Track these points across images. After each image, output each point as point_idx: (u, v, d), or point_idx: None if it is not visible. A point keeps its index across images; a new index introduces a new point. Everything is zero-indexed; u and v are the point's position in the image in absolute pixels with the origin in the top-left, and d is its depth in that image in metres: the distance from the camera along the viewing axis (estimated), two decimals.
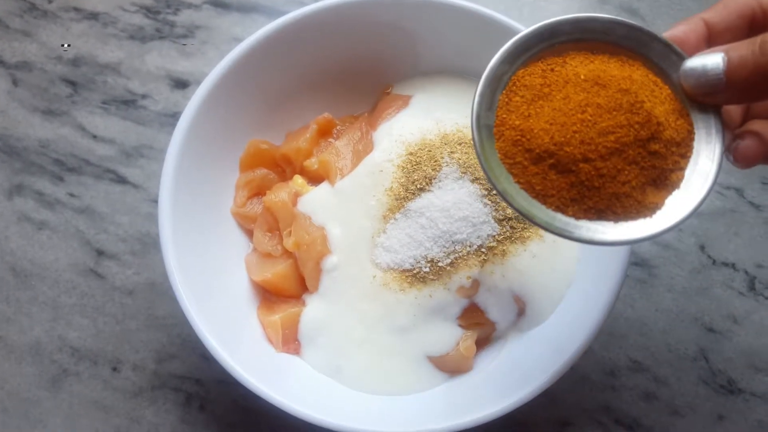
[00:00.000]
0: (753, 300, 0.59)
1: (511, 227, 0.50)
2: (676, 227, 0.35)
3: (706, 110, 0.36)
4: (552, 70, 0.36)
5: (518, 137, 0.35)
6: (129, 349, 0.58)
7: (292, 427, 0.48)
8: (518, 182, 0.36)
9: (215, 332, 0.47)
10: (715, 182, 0.35)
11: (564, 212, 0.35)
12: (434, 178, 0.50)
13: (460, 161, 0.51)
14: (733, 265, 0.60)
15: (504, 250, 0.50)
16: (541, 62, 0.37)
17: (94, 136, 0.63)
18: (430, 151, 0.51)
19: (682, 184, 0.36)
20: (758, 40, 0.32)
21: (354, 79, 0.57)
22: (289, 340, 0.52)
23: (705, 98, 0.35)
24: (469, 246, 0.50)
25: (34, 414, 0.57)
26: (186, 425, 0.56)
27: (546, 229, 0.35)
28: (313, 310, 0.52)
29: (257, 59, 0.52)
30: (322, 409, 0.46)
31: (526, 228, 0.51)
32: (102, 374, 0.57)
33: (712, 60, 0.33)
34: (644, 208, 0.35)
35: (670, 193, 0.36)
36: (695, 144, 0.36)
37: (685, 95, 0.36)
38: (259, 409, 0.55)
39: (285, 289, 0.53)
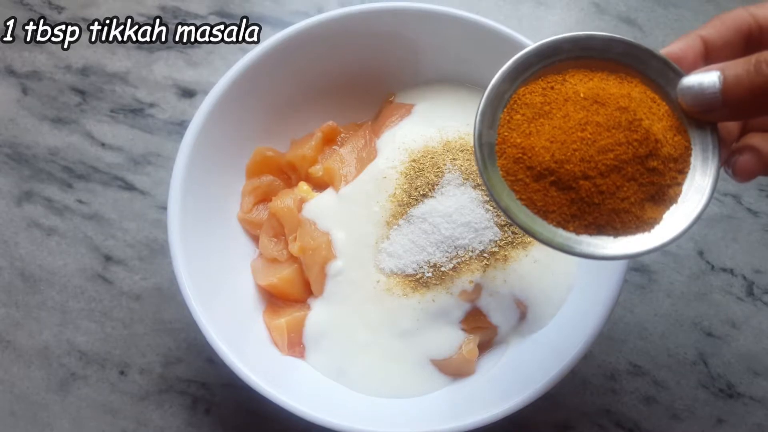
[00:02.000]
0: (751, 305, 0.60)
1: (513, 233, 0.51)
2: (674, 242, 0.35)
3: (704, 126, 0.36)
4: (552, 88, 0.37)
5: (520, 155, 0.36)
6: (136, 353, 0.59)
7: (296, 431, 0.49)
8: (520, 199, 0.36)
9: (222, 335, 0.48)
10: (711, 198, 0.35)
11: (565, 228, 0.36)
12: (437, 185, 0.51)
13: (462, 168, 0.51)
14: (731, 271, 0.60)
15: (506, 255, 0.51)
16: (542, 80, 0.37)
17: (103, 144, 0.64)
18: (432, 158, 0.52)
19: (680, 199, 0.36)
20: (753, 59, 0.32)
21: (358, 88, 0.58)
22: (294, 344, 0.53)
23: (702, 115, 0.35)
24: (472, 251, 0.50)
25: (42, 417, 0.57)
26: (192, 428, 0.57)
27: (548, 245, 0.35)
28: (318, 314, 0.53)
29: (263, 69, 0.53)
30: (326, 410, 0.47)
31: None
32: (109, 378, 0.58)
33: (708, 78, 0.34)
34: (643, 223, 0.36)
35: (668, 208, 0.36)
36: (692, 160, 0.36)
37: (683, 112, 0.36)
38: (263, 412, 0.56)
39: (290, 294, 0.54)
